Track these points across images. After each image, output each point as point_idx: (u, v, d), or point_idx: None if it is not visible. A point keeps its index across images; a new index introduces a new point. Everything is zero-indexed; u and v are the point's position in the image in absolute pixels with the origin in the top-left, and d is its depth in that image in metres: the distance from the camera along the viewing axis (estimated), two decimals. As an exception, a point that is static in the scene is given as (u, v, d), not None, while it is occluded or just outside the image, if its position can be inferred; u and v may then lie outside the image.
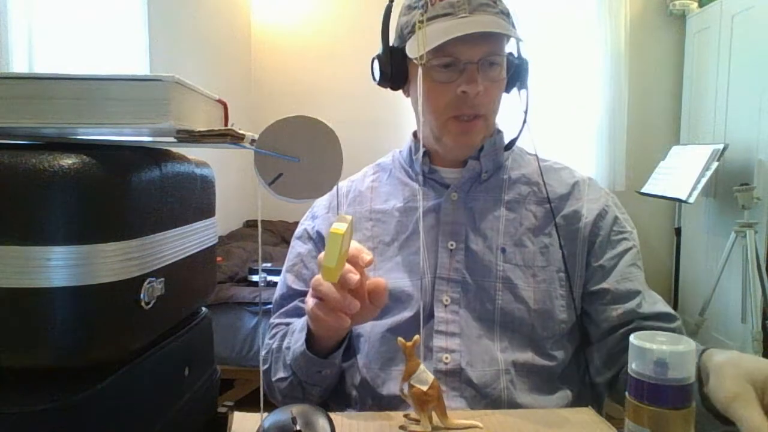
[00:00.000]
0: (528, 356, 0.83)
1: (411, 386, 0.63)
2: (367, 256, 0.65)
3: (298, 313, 0.92)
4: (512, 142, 0.95)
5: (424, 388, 0.63)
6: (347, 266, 0.63)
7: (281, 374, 0.85)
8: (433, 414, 0.65)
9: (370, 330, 0.86)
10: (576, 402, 0.84)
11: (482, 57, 0.83)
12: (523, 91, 0.92)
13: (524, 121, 0.93)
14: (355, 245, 0.65)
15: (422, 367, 0.64)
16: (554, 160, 0.97)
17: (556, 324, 0.84)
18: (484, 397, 0.80)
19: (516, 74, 0.91)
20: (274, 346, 0.88)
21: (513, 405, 0.80)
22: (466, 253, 0.87)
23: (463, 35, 0.79)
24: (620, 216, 0.91)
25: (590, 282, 0.87)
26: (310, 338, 0.79)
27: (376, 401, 0.83)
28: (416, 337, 0.64)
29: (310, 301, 0.68)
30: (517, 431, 0.66)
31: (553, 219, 0.88)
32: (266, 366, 0.88)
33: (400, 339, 0.65)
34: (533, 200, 0.90)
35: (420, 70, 0.68)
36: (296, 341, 0.80)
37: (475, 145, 0.89)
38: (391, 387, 0.82)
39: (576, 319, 0.85)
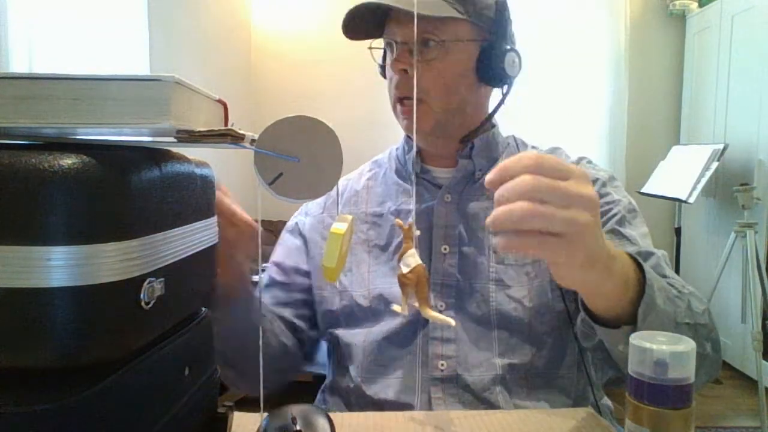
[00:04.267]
0: (526, 357, 0.82)
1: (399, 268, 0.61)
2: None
3: (274, 302, 0.92)
4: (483, 123, 0.90)
5: (404, 270, 0.61)
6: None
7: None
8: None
9: (364, 338, 0.85)
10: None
11: (413, 37, 0.80)
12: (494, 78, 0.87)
13: (500, 102, 0.90)
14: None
15: (412, 251, 0.61)
16: (548, 146, 0.96)
17: (553, 315, 0.83)
18: (482, 402, 0.80)
19: (488, 62, 0.84)
20: None
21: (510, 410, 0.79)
22: (459, 256, 0.86)
23: (396, 12, 0.82)
24: (606, 189, 0.87)
25: None
26: None
27: (371, 407, 0.82)
28: (410, 221, 0.62)
29: None
30: (517, 431, 0.66)
31: None
32: None
33: (397, 220, 0.62)
34: None
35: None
36: None
37: (423, 130, 0.86)
38: (388, 393, 0.82)
39: (572, 305, 0.82)
